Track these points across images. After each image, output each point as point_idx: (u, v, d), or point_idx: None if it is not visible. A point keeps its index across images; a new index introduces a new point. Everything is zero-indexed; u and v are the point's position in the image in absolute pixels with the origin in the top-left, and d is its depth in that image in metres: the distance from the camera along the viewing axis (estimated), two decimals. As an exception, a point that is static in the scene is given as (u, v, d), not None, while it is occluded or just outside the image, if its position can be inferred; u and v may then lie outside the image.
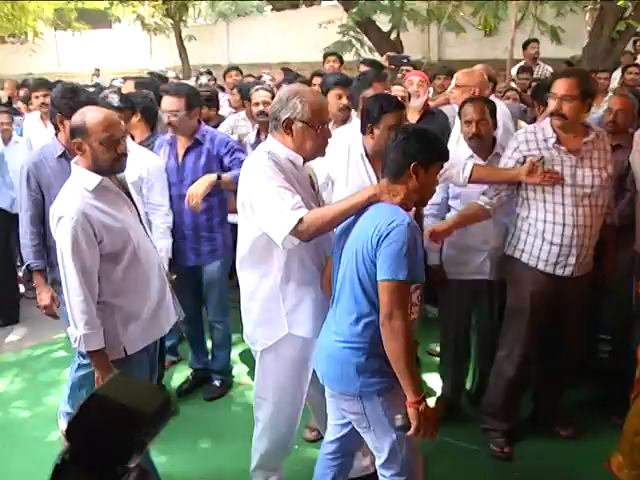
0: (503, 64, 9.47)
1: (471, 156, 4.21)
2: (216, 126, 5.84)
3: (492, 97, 5.50)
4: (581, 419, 4.32)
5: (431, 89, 6.59)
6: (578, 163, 3.79)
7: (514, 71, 8.88)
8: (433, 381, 4.91)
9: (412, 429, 2.76)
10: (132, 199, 3.40)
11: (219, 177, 4.32)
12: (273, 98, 5.52)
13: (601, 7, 11.84)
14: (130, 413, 1.53)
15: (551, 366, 4.14)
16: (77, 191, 3.15)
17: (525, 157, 3.82)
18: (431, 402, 3.87)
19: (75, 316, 3.10)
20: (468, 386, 4.84)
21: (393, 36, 12.67)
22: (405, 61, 7.96)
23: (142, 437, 1.55)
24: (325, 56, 8.32)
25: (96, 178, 3.16)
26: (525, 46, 9.93)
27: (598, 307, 4.58)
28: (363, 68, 7.01)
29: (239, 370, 5.22)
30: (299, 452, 4.10)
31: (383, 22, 12.59)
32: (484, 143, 4.22)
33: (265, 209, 3.00)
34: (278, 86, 6.85)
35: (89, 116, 3.16)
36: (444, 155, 2.98)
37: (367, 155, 3.75)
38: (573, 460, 4.01)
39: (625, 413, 3.49)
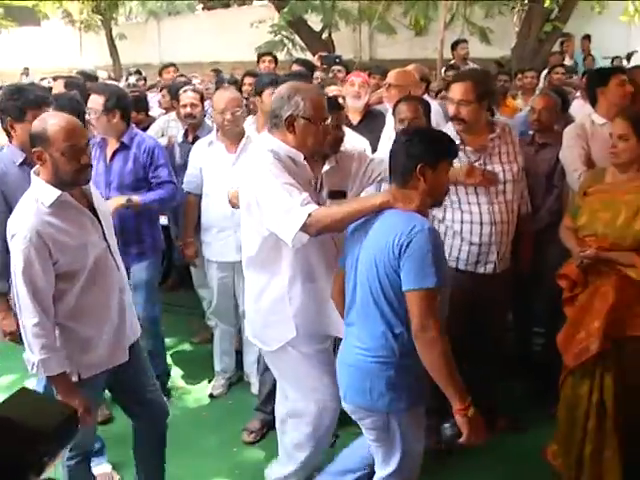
0: (434, 64, 9.62)
1: None
2: (146, 128, 5.75)
3: (425, 96, 5.56)
4: (518, 411, 4.38)
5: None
6: (487, 160, 3.82)
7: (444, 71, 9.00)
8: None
9: (464, 436, 2.68)
10: (96, 214, 3.13)
11: (129, 200, 4.22)
12: (202, 100, 5.53)
13: (528, 9, 12.13)
14: (25, 430, 1.45)
15: (477, 362, 4.16)
16: (32, 206, 2.91)
17: None
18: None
19: (30, 340, 2.88)
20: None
21: (325, 35, 12.73)
22: (337, 61, 7.97)
23: (40, 456, 1.46)
24: (260, 56, 8.28)
25: (54, 193, 2.91)
26: (455, 46, 10.04)
27: (530, 301, 4.67)
28: (296, 68, 7.00)
29: (175, 373, 5.14)
30: (237, 455, 4.08)
31: (315, 21, 12.63)
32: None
33: (273, 207, 2.96)
34: (208, 88, 6.80)
35: (50, 123, 2.91)
36: (451, 151, 2.89)
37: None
38: (511, 451, 4.05)
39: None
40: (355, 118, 5.25)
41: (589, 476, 3.50)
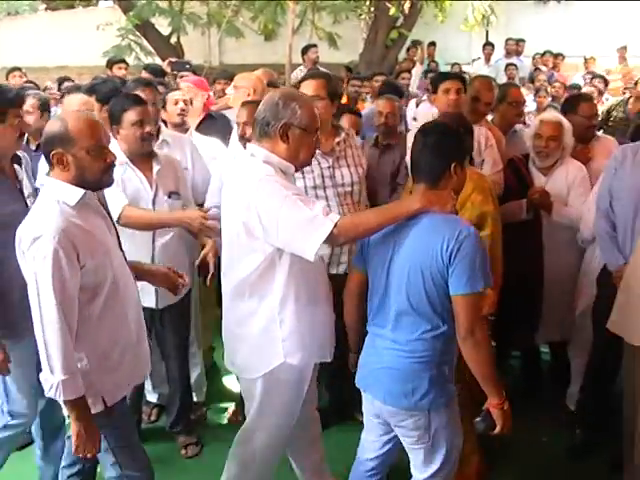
0: (283, 68, 9.66)
1: None
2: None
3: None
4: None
5: (212, 93, 6.57)
6: (335, 163, 3.87)
7: (294, 75, 9.09)
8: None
9: (498, 428, 2.77)
10: (112, 218, 2.95)
11: None
12: (42, 106, 5.21)
13: (375, 16, 12.43)
14: None
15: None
16: (55, 207, 2.64)
17: None
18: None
19: (53, 358, 2.57)
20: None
21: (173, 40, 12.53)
22: (187, 66, 7.88)
23: None
24: (112, 63, 8.06)
25: (78, 191, 2.67)
26: (305, 51, 10.17)
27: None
28: (145, 74, 6.86)
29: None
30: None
31: (163, 25, 12.40)
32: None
33: (291, 220, 2.72)
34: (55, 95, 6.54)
35: (72, 121, 2.67)
36: (471, 147, 2.89)
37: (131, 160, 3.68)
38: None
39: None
40: (194, 121, 5.17)
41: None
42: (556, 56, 12.15)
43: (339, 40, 12.05)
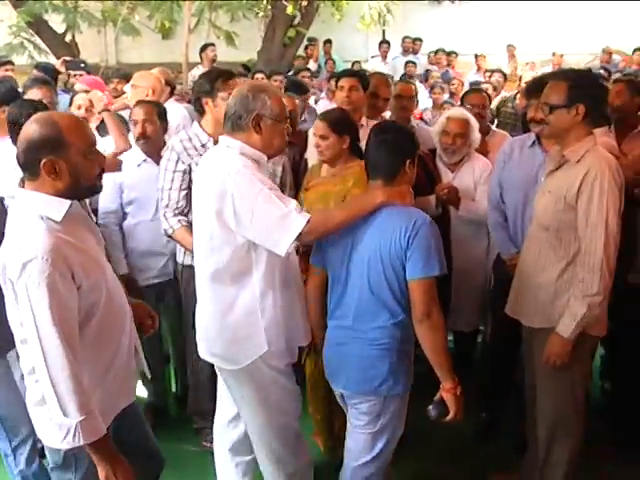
0: (181, 67, 9.58)
1: (144, 160, 4.24)
2: None
3: (172, 100, 5.56)
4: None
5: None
6: None
7: (192, 74, 9.04)
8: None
9: (452, 413, 2.89)
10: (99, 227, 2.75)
11: None
12: None
13: (272, 14, 12.46)
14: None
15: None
16: (39, 224, 2.32)
17: (190, 165, 3.83)
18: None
19: (64, 399, 2.27)
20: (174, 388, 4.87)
21: (68, 38, 12.19)
22: (82, 65, 7.71)
23: None
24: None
25: (63, 204, 2.37)
26: (204, 49, 10.13)
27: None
28: (37, 73, 6.67)
29: None
30: None
31: (57, 22, 12.06)
32: (153, 144, 4.23)
33: (264, 215, 2.80)
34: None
35: (63, 123, 2.38)
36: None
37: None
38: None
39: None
40: (94, 124, 5.07)
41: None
42: (449, 54, 12.49)
43: (237, 38, 12.00)
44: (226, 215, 2.85)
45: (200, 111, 3.89)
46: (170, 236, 3.86)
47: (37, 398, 2.45)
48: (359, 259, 2.92)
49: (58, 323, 2.26)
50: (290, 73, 9.51)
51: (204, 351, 3.20)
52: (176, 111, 5.37)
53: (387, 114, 5.02)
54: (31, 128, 2.38)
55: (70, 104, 5.07)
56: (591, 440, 3.52)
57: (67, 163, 2.37)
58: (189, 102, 6.29)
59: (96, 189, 2.56)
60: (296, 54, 12.61)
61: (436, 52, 12.63)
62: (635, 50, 12.18)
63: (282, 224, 2.78)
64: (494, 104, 7.40)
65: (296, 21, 12.60)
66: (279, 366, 3.12)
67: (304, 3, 12.40)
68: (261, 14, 12.96)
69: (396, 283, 2.87)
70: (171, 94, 5.89)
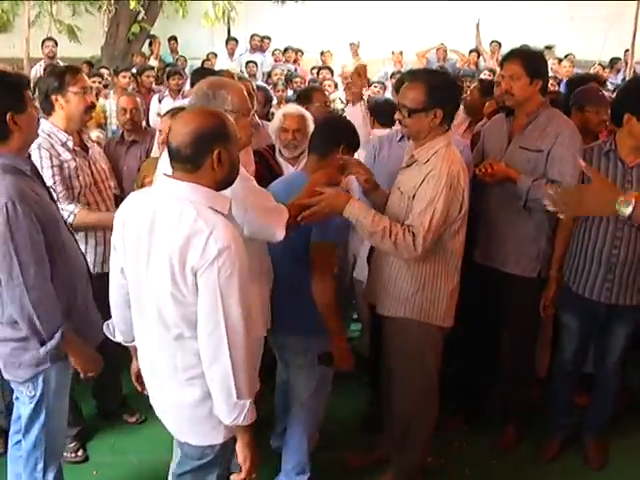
0: (21, 62, 9.32)
1: None
2: None
3: None
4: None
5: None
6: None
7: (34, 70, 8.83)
8: None
9: (336, 361, 3.33)
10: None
11: None
12: None
13: (115, 9, 12.26)
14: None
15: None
16: (219, 217, 2.28)
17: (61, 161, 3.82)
18: None
19: (241, 380, 2.30)
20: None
21: None
22: None
23: None
24: None
25: (227, 198, 2.39)
26: (44, 44, 9.85)
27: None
28: None
29: None
30: None
31: None
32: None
33: (259, 205, 2.88)
34: None
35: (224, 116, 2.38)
36: None
37: None
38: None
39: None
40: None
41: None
42: (296, 52, 12.75)
43: (80, 33, 11.75)
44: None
45: (48, 109, 3.86)
46: (75, 224, 3.77)
47: (196, 397, 2.43)
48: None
49: (243, 306, 2.29)
50: (133, 72, 9.36)
51: None
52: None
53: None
54: (206, 118, 2.30)
55: None
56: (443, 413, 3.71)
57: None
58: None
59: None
60: (141, 50, 12.45)
61: (285, 50, 12.87)
62: (471, 51, 12.90)
63: (274, 212, 2.97)
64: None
65: (140, 17, 12.47)
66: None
67: (147, -2, 12.29)
68: (104, 8, 12.70)
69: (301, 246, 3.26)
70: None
